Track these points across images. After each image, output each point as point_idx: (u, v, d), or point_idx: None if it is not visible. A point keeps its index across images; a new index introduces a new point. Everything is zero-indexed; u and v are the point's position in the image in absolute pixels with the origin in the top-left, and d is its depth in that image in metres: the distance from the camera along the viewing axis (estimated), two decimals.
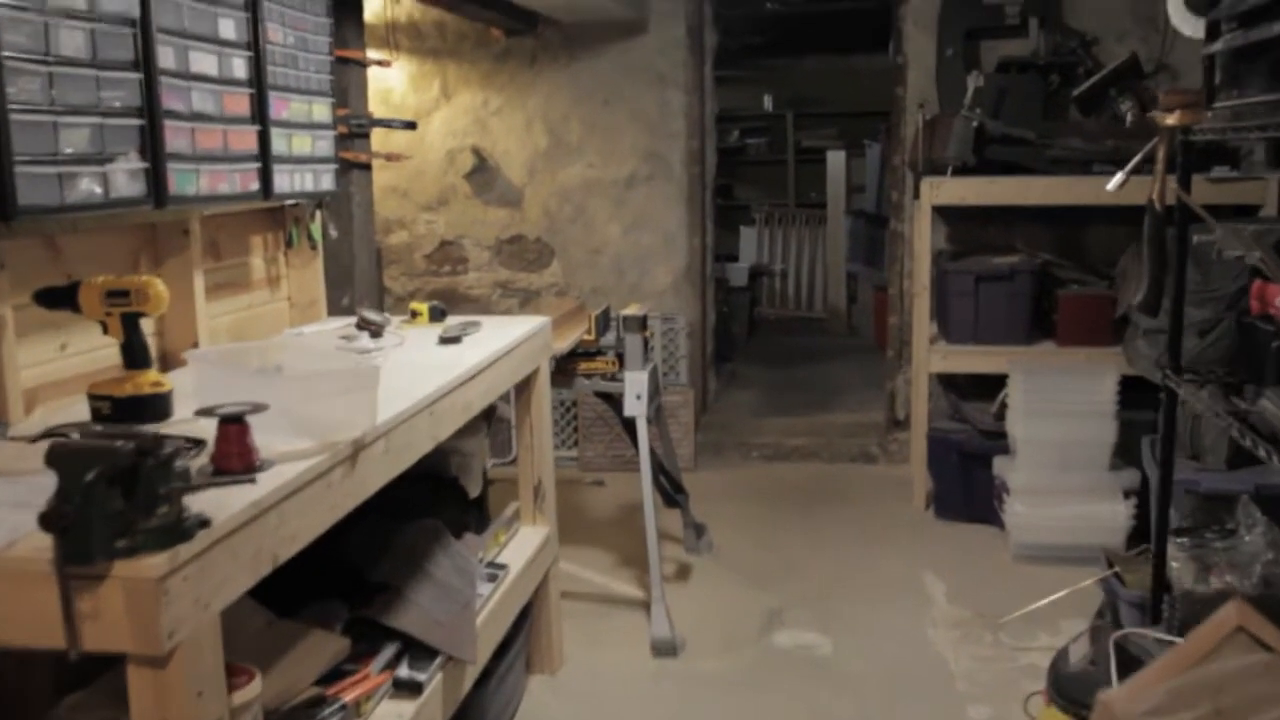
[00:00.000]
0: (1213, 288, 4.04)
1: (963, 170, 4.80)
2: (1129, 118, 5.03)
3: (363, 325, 2.99)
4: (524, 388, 3.29)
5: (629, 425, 3.96)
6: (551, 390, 3.47)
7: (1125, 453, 4.36)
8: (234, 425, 1.73)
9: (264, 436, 1.80)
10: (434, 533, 2.75)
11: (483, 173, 5.81)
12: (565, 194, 5.80)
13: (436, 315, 3.29)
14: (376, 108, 5.55)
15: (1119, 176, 3.05)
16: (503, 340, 3.01)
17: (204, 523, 1.51)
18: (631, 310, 3.90)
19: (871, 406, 6.21)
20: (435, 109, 5.82)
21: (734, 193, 9.84)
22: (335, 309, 3.61)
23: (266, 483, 1.70)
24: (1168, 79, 5.26)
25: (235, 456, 1.74)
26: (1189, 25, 5.26)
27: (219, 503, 1.59)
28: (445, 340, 2.97)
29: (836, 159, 9.08)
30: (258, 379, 2.00)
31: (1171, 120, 2.48)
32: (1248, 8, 2.07)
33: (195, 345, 2.67)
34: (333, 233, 3.49)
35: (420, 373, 2.56)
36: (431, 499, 2.96)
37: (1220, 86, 2.36)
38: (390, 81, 5.81)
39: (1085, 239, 5.40)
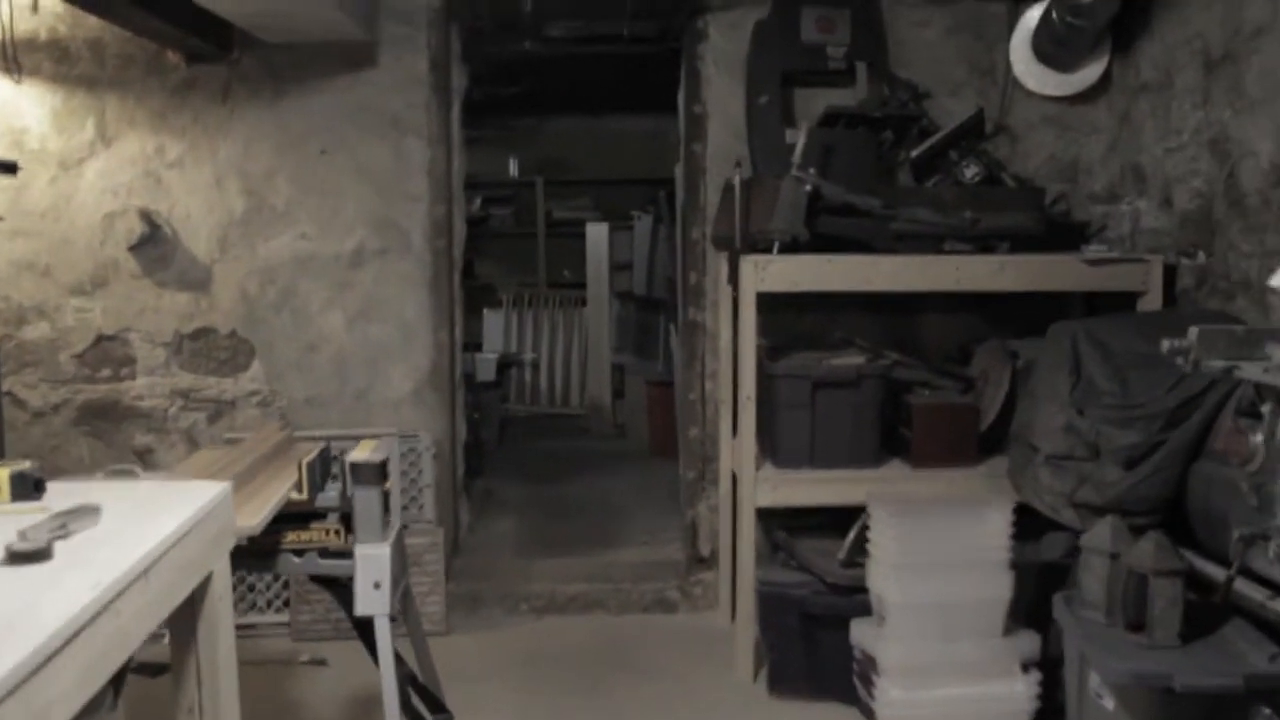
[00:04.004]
0: (1136, 402, 3.11)
1: (792, 247, 3.76)
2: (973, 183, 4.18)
3: None
4: (186, 613, 1.92)
5: (362, 626, 2.63)
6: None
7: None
8: None
9: None
10: None
11: (155, 245, 4.33)
12: (269, 273, 4.40)
13: (24, 488, 1.90)
14: (5, 152, 4.06)
15: None
16: (139, 545, 1.66)
17: None
18: (364, 454, 2.59)
19: (663, 537, 5.06)
20: (89, 157, 4.32)
21: (476, 270, 8.58)
22: None
23: None
24: (1007, 142, 4.44)
25: None
26: (1035, 77, 4.45)
27: None
28: (18, 557, 1.58)
29: (597, 233, 7.98)
30: None
31: None
32: None
33: None
34: None
35: None
36: None
37: None
38: (26, 119, 4.29)
39: (920, 330, 4.48)
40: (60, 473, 4.25)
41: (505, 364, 7.85)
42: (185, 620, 1.96)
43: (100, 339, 4.41)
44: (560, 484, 6.41)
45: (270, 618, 4.33)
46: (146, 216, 4.30)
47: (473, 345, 7.22)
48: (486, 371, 7.24)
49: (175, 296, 4.40)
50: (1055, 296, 4.03)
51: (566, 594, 4.50)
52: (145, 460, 4.41)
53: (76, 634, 1.39)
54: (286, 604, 4.31)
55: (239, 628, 4.23)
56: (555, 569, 4.70)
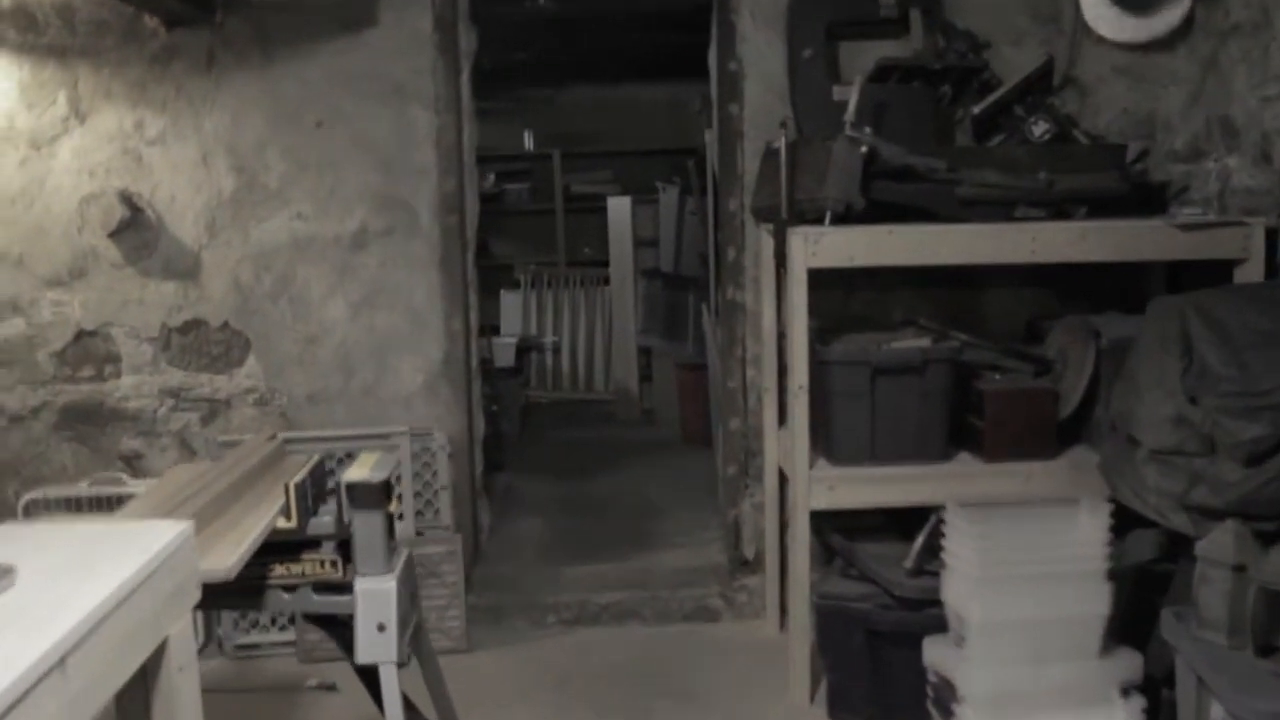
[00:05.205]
0: (1260, 388, 2.68)
1: (846, 217, 3.33)
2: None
3: None
4: (137, 689, 1.53)
5: (367, 675, 2.24)
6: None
7: None
8: None
9: None
10: None
11: (137, 230, 3.94)
12: (263, 259, 3.99)
13: None
14: None
15: None
16: (55, 623, 1.26)
17: None
18: (363, 472, 2.18)
19: (702, 538, 4.64)
20: (62, 135, 3.92)
21: (491, 249, 8.16)
22: None
23: None
24: (1075, 95, 3.99)
25: None
26: (1109, 22, 4.00)
27: None
28: None
29: (619, 207, 7.51)
30: None
31: None
32: None
33: None
34: None
35: None
36: None
37: None
38: None
39: (982, 306, 4.07)
40: (42, 481, 3.92)
41: (525, 348, 7.43)
42: (137, 698, 1.56)
43: (81, 334, 4.02)
44: (587, 478, 5.99)
45: (274, 637, 3.95)
46: (127, 199, 3.90)
47: (490, 329, 6.82)
48: (505, 357, 6.84)
49: (161, 286, 4.00)
50: (1134, 266, 3.62)
51: (598, 604, 4.10)
52: (134, 466, 4.03)
53: None
54: (292, 621, 3.93)
55: (238, 648, 3.89)
56: (585, 576, 4.30)
